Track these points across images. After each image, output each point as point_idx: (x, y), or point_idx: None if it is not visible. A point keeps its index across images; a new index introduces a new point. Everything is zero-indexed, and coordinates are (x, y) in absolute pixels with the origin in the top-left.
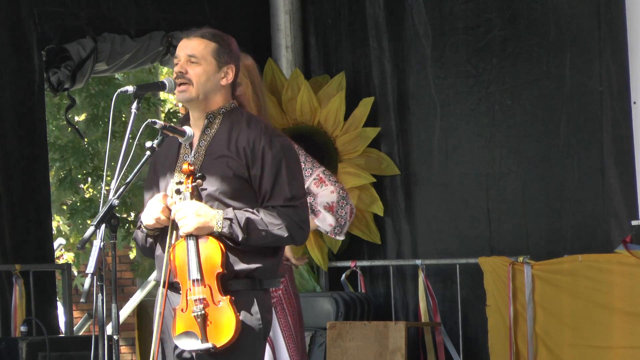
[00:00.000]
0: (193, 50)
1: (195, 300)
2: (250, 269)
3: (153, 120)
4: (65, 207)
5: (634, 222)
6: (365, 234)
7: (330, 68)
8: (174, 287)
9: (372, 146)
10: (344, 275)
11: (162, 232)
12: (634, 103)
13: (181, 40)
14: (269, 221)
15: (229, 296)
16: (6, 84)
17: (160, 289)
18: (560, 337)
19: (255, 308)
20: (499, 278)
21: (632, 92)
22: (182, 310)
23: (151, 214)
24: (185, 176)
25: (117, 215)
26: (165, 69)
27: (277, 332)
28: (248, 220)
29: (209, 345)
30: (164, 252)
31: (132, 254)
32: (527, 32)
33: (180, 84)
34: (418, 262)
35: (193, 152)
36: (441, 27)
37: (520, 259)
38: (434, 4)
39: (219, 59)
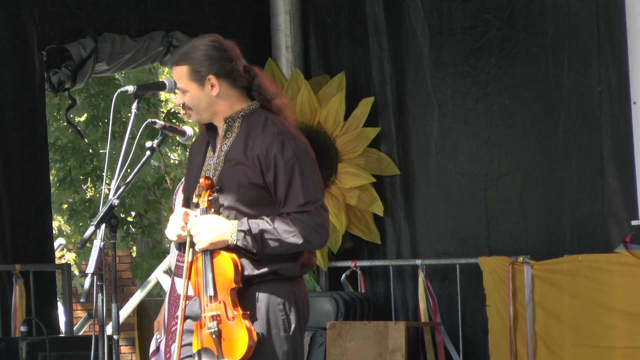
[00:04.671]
0: (178, 81)
1: (210, 317)
2: (270, 270)
3: (153, 120)
4: (65, 207)
5: (633, 222)
6: (365, 234)
7: (330, 68)
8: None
9: (372, 146)
10: (344, 275)
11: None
12: (634, 103)
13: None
14: (283, 229)
15: (241, 311)
16: (7, 84)
17: (182, 303)
18: (560, 337)
19: (278, 299)
20: (499, 278)
21: (631, 92)
22: (200, 326)
23: (172, 230)
24: (203, 189)
25: (117, 215)
26: (165, 69)
27: None
28: (262, 230)
29: None
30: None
31: (134, 253)
32: (526, 32)
33: (185, 112)
34: (418, 262)
35: (216, 155)
36: (439, 27)
37: (520, 259)
38: (432, 4)
39: (196, 78)
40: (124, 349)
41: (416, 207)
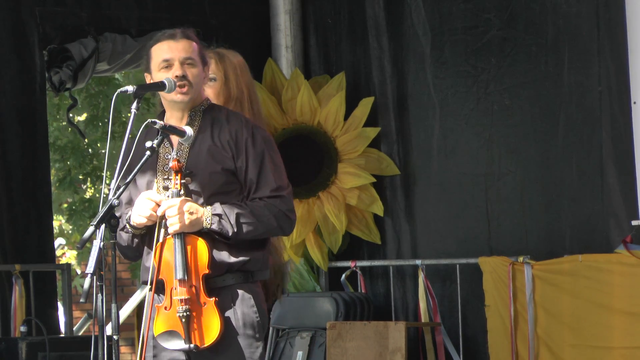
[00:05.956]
0: (187, 52)
1: (180, 301)
2: (242, 262)
3: (153, 120)
4: (65, 206)
5: (634, 222)
6: (365, 234)
7: (330, 68)
8: (158, 285)
9: (372, 146)
10: (344, 275)
11: (149, 231)
12: (634, 103)
13: (161, 41)
14: (258, 213)
15: (214, 298)
16: (7, 84)
17: (148, 288)
18: (560, 337)
19: (251, 301)
20: (499, 278)
21: (631, 92)
22: (165, 308)
23: (142, 212)
24: (174, 173)
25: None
26: None
27: None
28: (237, 214)
29: (191, 345)
30: (151, 250)
31: None
32: (526, 32)
33: (182, 86)
34: (418, 262)
35: (175, 149)
36: (440, 27)
37: (521, 259)
38: (432, 4)
39: (203, 60)
40: (123, 349)
41: (416, 207)
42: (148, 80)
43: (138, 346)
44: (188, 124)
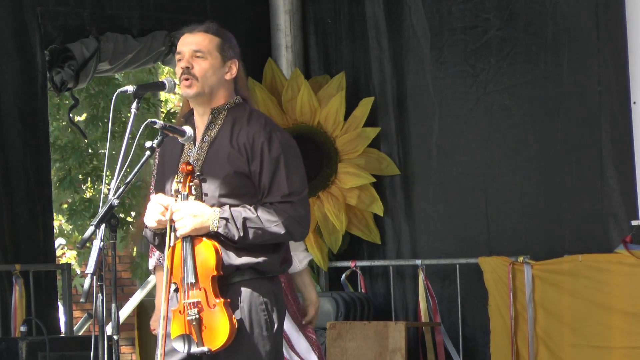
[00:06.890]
0: (198, 45)
1: (190, 304)
2: (251, 263)
3: (153, 120)
4: (65, 206)
5: (633, 222)
6: (365, 234)
7: (330, 68)
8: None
9: (372, 146)
10: (344, 275)
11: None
12: (634, 103)
13: (183, 34)
14: (266, 218)
15: (222, 299)
16: (9, 83)
17: (164, 291)
18: (560, 337)
19: (259, 299)
20: (499, 278)
21: (631, 92)
22: (179, 312)
23: (152, 216)
24: (184, 175)
25: (117, 215)
26: (166, 69)
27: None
28: (244, 219)
29: (204, 348)
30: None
31: (134, 253)
32: (525, 32)
33: (186, 79)
34: (418, 262)
35: (196, 147)
36: (439, 27)
37: (520, 259)
38: (432, 4)
39: (224, 54)
40: (124, 349)
41: (416, 207)
42: None
43: (138, 346)
44: (210, 121)
